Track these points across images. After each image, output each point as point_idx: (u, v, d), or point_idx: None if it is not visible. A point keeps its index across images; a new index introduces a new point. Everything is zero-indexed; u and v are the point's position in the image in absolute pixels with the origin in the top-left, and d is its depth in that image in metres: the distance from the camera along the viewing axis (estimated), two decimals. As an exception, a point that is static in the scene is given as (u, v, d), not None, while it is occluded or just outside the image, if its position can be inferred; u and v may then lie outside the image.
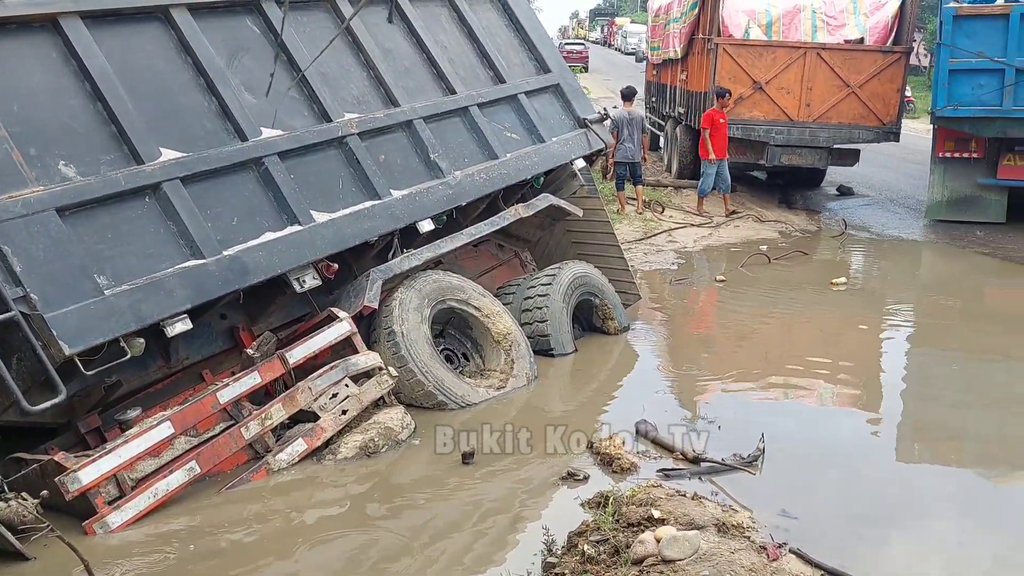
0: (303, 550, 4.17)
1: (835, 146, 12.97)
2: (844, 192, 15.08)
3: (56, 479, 4.09)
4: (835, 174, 15.70)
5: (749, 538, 3.81)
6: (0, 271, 4.08)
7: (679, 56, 14.71)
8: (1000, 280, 10.34)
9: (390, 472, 4.96)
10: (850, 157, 13.46)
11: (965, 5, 11.41)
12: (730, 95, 12.35)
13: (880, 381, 6.96)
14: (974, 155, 11.79)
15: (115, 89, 4.90)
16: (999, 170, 11.68)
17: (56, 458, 4.21)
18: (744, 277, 9.71)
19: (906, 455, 5.57)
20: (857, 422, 6.02)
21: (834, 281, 9.54)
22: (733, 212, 12.68)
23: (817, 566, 3.74)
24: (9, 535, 3.80)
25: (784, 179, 15.00)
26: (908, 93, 16.11)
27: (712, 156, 12.20)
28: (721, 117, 12.19)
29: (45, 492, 3.98)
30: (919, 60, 35.91)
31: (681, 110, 14.65)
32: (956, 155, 11.95)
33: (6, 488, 3.91)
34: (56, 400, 4.11)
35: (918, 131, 21.53)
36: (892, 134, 12.92)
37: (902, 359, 7.49)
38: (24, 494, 3.89)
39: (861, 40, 12.88)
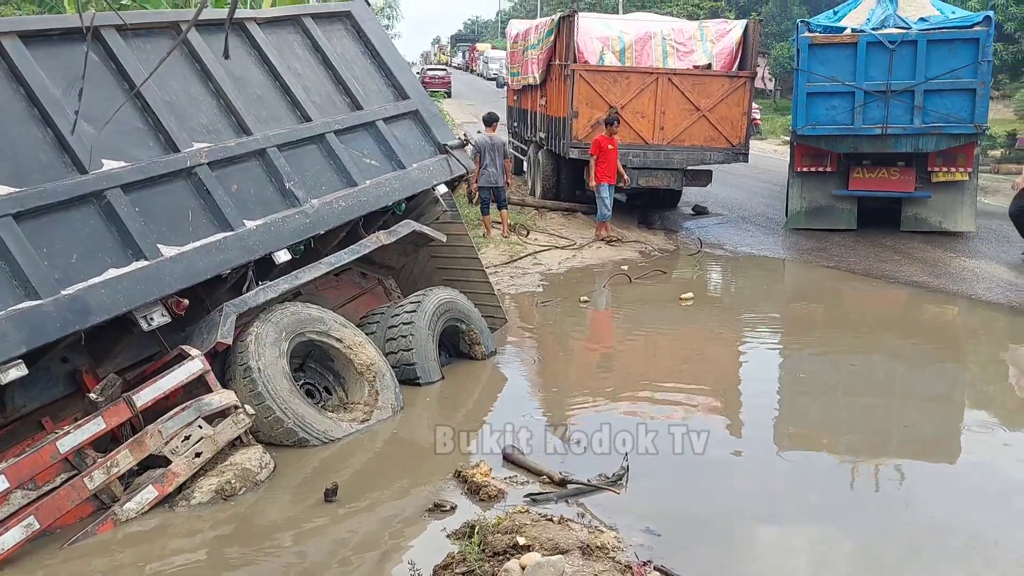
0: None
1: (688, 168, 13.54)
2: (699, 212, 15.71)
3: None
4: (691, 194, 16.35)
5: (614, 558, 3.87)
6: None
7: (538, 82, 15.03)
8: (843, 289, 10.99)
9: (250, 515, 4.77)
10: (703, 178, 14.05)
11: (819, 35, 12.79)
12: (619, 123, 12.64)
13: (740, 391, 7.24)
14: (828, 169, 13.19)
15: (-65, 123, 4.57)
16: (850, 182, 13.12)
17: None
18: (607, 297, 9.94)
19: (769, 463, 5.75)
20: (720, 433, 6.21)
21: (682, 296, 9.95)
22: (606, 239, 12.85)
23: (679, 581, 3.83)
24: None
25: (643, 200, 15.50)
26: (756, 115, 17.16)
27: (592, 182, 12.60)
28: (610, 143, 12.47)
29: None
30: (764, 84, 38.04)
31: (542, 135, 14.95)
32: (812, 169, 13.30)
33: None
34: None
35: (765, 151, 22.75)
36: (741, 155, 13.67)
37: (761, 369, 7.83)
38: None
39: (709, 66, 13.59)
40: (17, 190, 4.78)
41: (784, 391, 7.15)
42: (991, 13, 13.10)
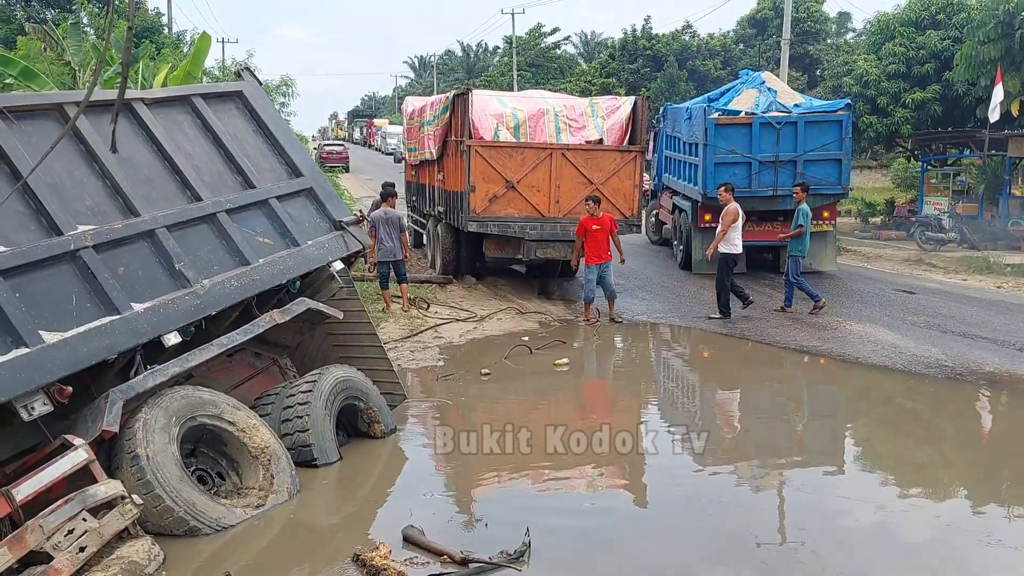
0: None
1: None
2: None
3: None
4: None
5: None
6: None
7: (435, 157, 15.23)
8: (739, 355, 11.37)
9: (137, 610, 4.56)
10: None
11: (722, 116, 15.68)
12: (598, 203, 12.62)
13: (640, 457, 7.31)
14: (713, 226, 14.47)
15: None
16: (744, 235, 13.65)
17: None
18: (508, 369, 10.02)
19: (672, 529, 5.83)
20: (622, 502, 6.32)
21: (557, 362, 10.26)
22: (589, 321, 12.58)
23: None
24: None
25: (542, 271, 15.74)
26: (646, 186, 17.88)
27: (573, 262, 12.94)
28: (594, 223, 12.40)
29: None
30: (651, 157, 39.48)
31: (441, 208, 15.09)
32: (712, 225, 14.54)
33: None
34: None
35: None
36: (635, 226, 14.18)
37: (662, 439, 7.93)
38: None
39: (600, 141, 14.02)
40: None
41: (691, 463, 7.22)
42: (849, 101, 16.98)
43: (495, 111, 13.92)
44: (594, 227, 12.45)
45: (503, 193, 13.39)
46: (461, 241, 14.73)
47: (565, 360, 10.33)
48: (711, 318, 12.72)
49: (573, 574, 5.05)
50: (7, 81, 17.05)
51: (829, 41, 46.28)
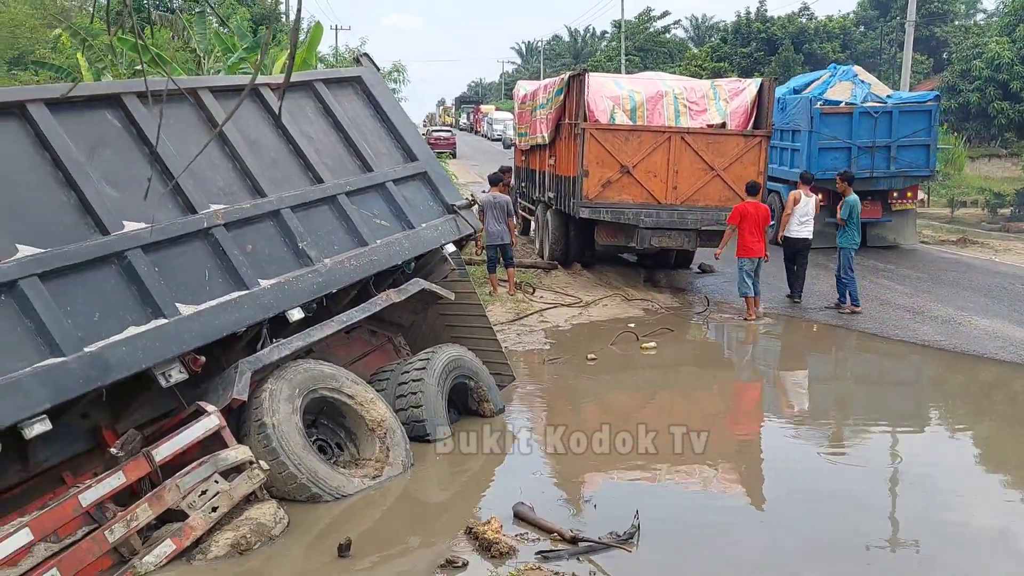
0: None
1: (703, 228, 13.19)
2: (705, 270, 15.78)
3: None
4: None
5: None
6: None
7: (547, 141, 15.10)
8: (855, 350, 11.05)
9: (264, 569, 4.82)
10: (718, 238, 13.35)
11: (825, 106, 17.12)
12: (758, 190, 12.16)
13: (756, 458, 7.24)
14: (822, 204, 14.76)
15: (-34, 186, 4.75)
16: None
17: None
18: (614, 355, 10.03)
19: (782, 528, 5.71)
20: (733, 495, 6.27)
21: (644, 346, 10.19)
22: (755, 316, 12.00)
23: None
24: None
25: (653, 260, 15.44)
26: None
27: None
28: (753, 208, 11.77)
29: None
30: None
31: (551, 194, 15.02)
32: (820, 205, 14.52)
33: None
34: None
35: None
36: None
37: (781, 437, 7.83)
38: None
39: (723, 124, 13.43)
40: (42, 251, 4.94)
41: (807, 459, 7.09)
42: (938, 93, 19.55)
43: (611, 93, 13.63)
44: (752, 213, 11.79)
45: (618, 178, 12.99)
46: (571, 228, 14.52)
47: (653, 344, 10.31)
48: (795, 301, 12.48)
49: (680, 560, 5.05)
50: (138, 68, 17.98)
51: (957, 23, 44.07)
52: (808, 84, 18.71)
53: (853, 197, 12.35)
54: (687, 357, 10.63)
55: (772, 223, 12.63)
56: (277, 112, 6.77)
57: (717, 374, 9.88)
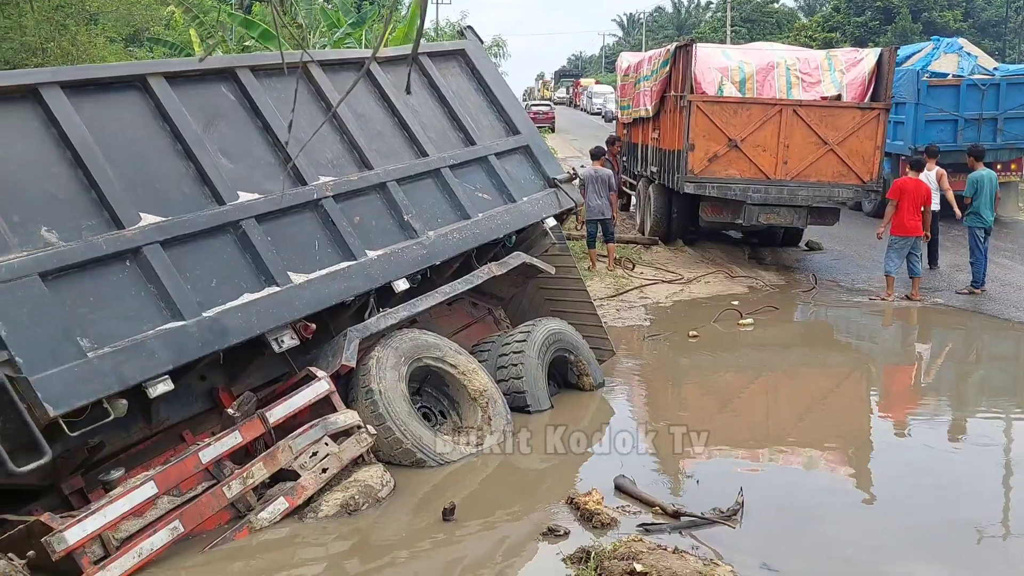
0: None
1: (814, 205, 12.78)
2: (813, 247, 15.32)
3: (42, 540, 4.08)
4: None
5: (731, 591, 3.86)
6: (-16, 335, 4.12)
7: (650, 114, 14.82)
8: (983, 336, 10.58)
9: (371, 530, 4.97)
10: (830, 216, 13.24)
11: (932, 78, 16.81)
12: (921, 166, 11.74)
13: (861, 437, 7.01)
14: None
15: (95, 156, 5.00)
16: (952, 186, 13.14)
17: (42, 519, 4.20)
18: (717, 332, 9.87)
19: (888, 512, 5.52)
20: (839, 479, 6.11)
21: (741, 322, 10.02)
22: (891, 297, 11.54)
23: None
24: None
25: (760, 238, 15.08)
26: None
27: (882, 230, 11.63)
28: (914, 185, 11.30)
29: (32, 553, 3.97)
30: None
31: (654, 169, 14.77)
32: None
33: (-8, 549, 3.89)
34: (41, 461, 4.13)
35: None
36: (873, 192, 12.99)
37: (891, 422, 7.59)
38: (11, 555, 3.87)
39: (838, 97, 12.90)
40: (163, 219, 5.16)
41: (916, 447, 6.83)
42: None
43: (720, 64, 13.25)
44: (913, 189, 11.25)
45: (725, 152, 12.59)
46: (674, 203, 14.22)
47: (750, 320, 10.12)
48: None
49: (784, 541, 4.95)
50: (247, 44, 18.54)
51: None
52: (909, 57, 18.24)
53: (978, 172, 11.75)
54: (793, 337, 10.39)
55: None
56: (405, 85, 6.87)
57: (825, 355, 9.60)
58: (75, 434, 4.31)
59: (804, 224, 13.34)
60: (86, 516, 4.25)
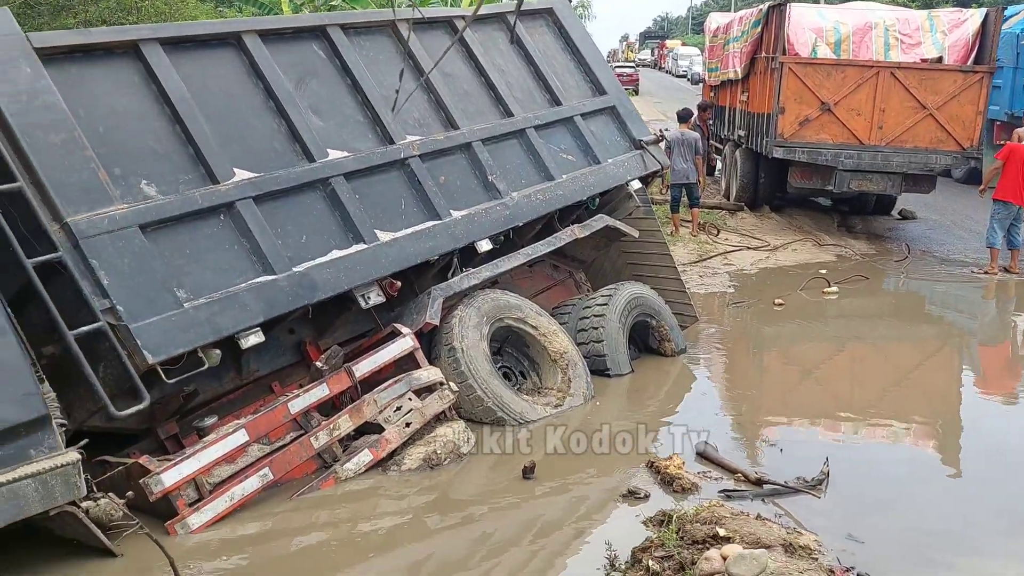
0: (366, 559, 4.29)
1: (910, 172, 12.30)
2: (906, 216, 14.78)
3: (140, 481, 4.28)
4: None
5: (816, 560, 3.81)
6: (88, 283, 4.29)
7: (739, 76, 14.47)
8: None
9: (452, 485, 5.05)
10: (925, 184, 12.74)
11: None
12: None
13: (950, 413, 6.80)
14: None
15: (192, 112, 5.11)
16: None
17: (140, 461, 4.40)
18: (803, 301, 9.65)
19: (977, 488, 5.34)
20: (926, 454, 5.95)
21: (826, 291, 9.78)
22: (996, 271, 11.07)
23: (884, 590, 3.72)
24: (99, 532, 3.97)
25: (850, 205, 14.62)
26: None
27: (984, 188, 11.27)
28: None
29: (131, 493, 4.16)
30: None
31: (741, 132, 14.44)
32: (1001, 143, 13.48)
33: (95, 488, 4.08)
34: (140, 406, 4.30)
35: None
36: (973, 159, 12.34)
37: (979, 391, 7.36)
38: (111, 494, 4.06)
39: (939, 59, 12.37)
40: (256, 175, 5.26)
41: (1010, 423, 6.61)
42: None
43: (814, 25, 12.76)
44: (1020, 156, 10.72)
45: (816, 116, 12.21)
46: (761, 168, 13.85)
47: (835, 289, 9.86)
48: None
49: (869, 513, 4.83)
50: (334, 3, 18.66)
51: None
52: (1008, 19, 16.70)
53: None
54: (883, 308, 10.07)
55: None
56: (493, 44, 6.83)
57: (915, 327, 9.29)
58: (171, 381, 4.48)
59: (898, 192, 12.84)
60: (182, 460, 4.43)
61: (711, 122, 16.57)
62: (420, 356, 5.57)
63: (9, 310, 3.95)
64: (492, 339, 6.15)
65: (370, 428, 5.19)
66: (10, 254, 4.09)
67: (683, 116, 12.87)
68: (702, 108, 14.77)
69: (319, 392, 5.05)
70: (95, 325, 4.21)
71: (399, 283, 5.74)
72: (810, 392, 7.12)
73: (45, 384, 4.00)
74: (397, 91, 5.62)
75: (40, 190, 4.34)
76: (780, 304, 9.42)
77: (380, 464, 5.08)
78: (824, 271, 10.73)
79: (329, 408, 5.28)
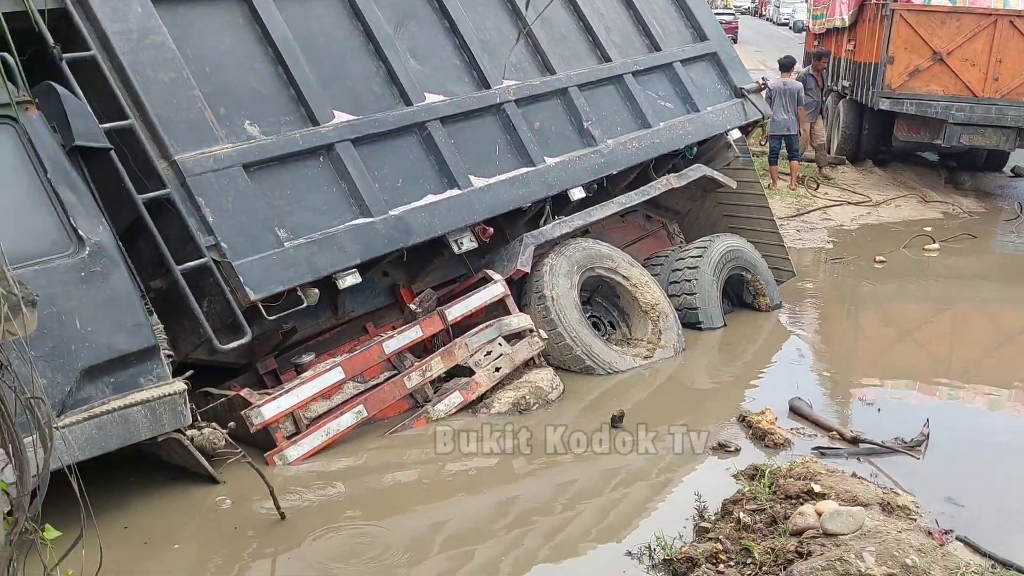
0: (454, 497, 4.37)
1: None
2: (1019, 173, 14.06)
3: (242, 413, 4.43)
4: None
5: (915, 521, 3.71)
6: (195, 220, 4.42)
7: (846, 24, 13.87)
8: None
9: (539, 430, 5.07)
10: None
11: None
12: None
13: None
14: None
15: (294, 54, 5.15)
16: None
17: (242, 393, 4.56)
18: (905, 259, 9.31)
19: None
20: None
21: (927, 247, 9.49)
22: None
23: (986, 555, 3.62)
24: (203, 460, 4.15)
25: (958, 160, 13.97)
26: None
27: None
28: None
29: (232, 424, 4.32)
30: None
31: (846, 83, 13.88)
32: None
33: (199, 417, 4.25)
34: (242, 341, 4.44)
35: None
36: None
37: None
38: (214, 424, 4.23)
39: None
40: (355, 118, 5.29)
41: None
42: None
43: (928, -31, 12.19)
44: None
45: (927, 66, 11.63)
46: (865, 120, 13.31)
47: (936, 246, 9.53)
48: None
49: (970, 476, 4.67)
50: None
51: None
52: None
53: None
54: (990, 269, 9.64)
55: None
56: None
57: (1023, 289, 8.86)
58: (271, 318, 4.59)
59: (1012, 147, 12.21)
60: (281, 394, 4.57)
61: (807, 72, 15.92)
62: (510, 303, 5.59)
63: (121, 244, 4.10)
64: (582, 288, 6.12)
65: (460, 371, 5.25)
66: (122, 190, 4.23)
67: (785, 64, 12.41)
68: (817, 56, 14.04)
69: (412, 334, 5.12)
70: (200, 261, 4.34)
71: (491, 229, 5.73)
72: (908, 353, 6.90)
73: (154, 316, 4.15)
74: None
75: (150, 128, 4.46)
76: (881, 261, 9.10)
77: (470, 407, 5.14)
78: (929, 229, 10.33)
79: (421, 350, 5.35)
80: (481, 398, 5.19)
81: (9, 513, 1.71)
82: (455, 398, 5.08)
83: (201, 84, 4.71)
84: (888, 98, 11.85)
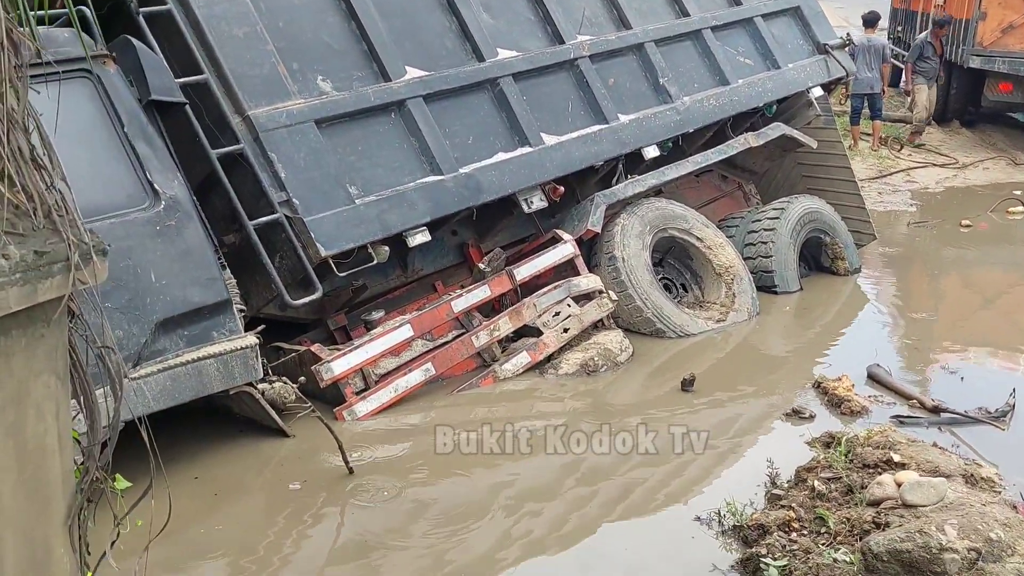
0: (521, 457, 4.33)
1: None
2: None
3: (312, 368, 4.48)
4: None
5: (999, 494, 3.55)
6: (267, 175, 4.45)
7: (936, -22, 13.27)
8: None
9: (607, 392, 5.02)
10: None
11: None
12: None
13: None
14: None
15: (367, 8, 5.11)
16: None
17: (312, 349, 4.61)
18: (994, 224, 8.90)
19: None
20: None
21: (1011, 210, 9.05)
22: None
23: (1074, 531, 3.43)
24: (274, 413, 4.21)
25: None
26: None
27: None
28: None
29: (303, 378, 4.37)
30: None
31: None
32: None
33: (270, 372, 4.31)
34: (313, 296, 4.47)
35: None
36: None
37: None
38: (285, 378, 4.28)
39: None
40: (427, 74, 5.24)
41: None
42: None
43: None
44: None
45: (1022, 22, 11.07)
46: (953, 79, 12.71)
47: (1021, 209, 9.06)
48: None
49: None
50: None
51: None
52: None
53: None
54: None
55: None
56: None
57: None
58: (342, 275, 4.62)
59: None
60: (351, 350, 4.61)
61: (892, 29, 15.20)
62: (580, 263, 5.51)
63: (195, 199, 4.15)
64: (654, 249, 6.01)
65: (528, 331, 5.22)
66: (197, 145, 4.27)
67: (869, 20, 11.87)
68: (939, 24, 13.05)
69: (481, 293, 5.10)
70: (273, 216, 4.37)
71: (562, 188, 5.65)
72: (992, 321, 6.61)
73: (227, 271, 4.20)
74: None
75: (224, 83, 4.49)
76: (967, 226, 8.73)
77: (537, 367, 5.11)
78: (1018, 192, 9.84)
79: (489, 310, 5.34)
80: (549, 358, 5.16)
81: (81, 463, 1.73)
82: (523, 358, 5.05)
83: (275, 39, 4.72)
84: (979, 56, 11.33)
